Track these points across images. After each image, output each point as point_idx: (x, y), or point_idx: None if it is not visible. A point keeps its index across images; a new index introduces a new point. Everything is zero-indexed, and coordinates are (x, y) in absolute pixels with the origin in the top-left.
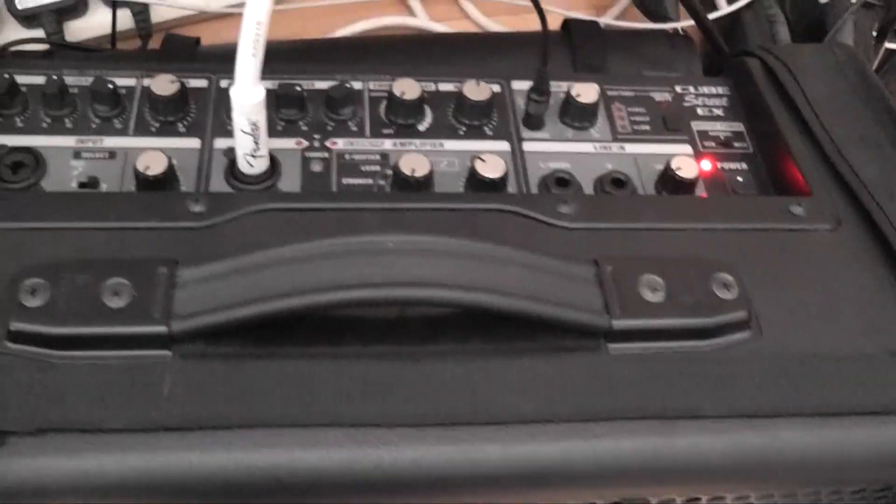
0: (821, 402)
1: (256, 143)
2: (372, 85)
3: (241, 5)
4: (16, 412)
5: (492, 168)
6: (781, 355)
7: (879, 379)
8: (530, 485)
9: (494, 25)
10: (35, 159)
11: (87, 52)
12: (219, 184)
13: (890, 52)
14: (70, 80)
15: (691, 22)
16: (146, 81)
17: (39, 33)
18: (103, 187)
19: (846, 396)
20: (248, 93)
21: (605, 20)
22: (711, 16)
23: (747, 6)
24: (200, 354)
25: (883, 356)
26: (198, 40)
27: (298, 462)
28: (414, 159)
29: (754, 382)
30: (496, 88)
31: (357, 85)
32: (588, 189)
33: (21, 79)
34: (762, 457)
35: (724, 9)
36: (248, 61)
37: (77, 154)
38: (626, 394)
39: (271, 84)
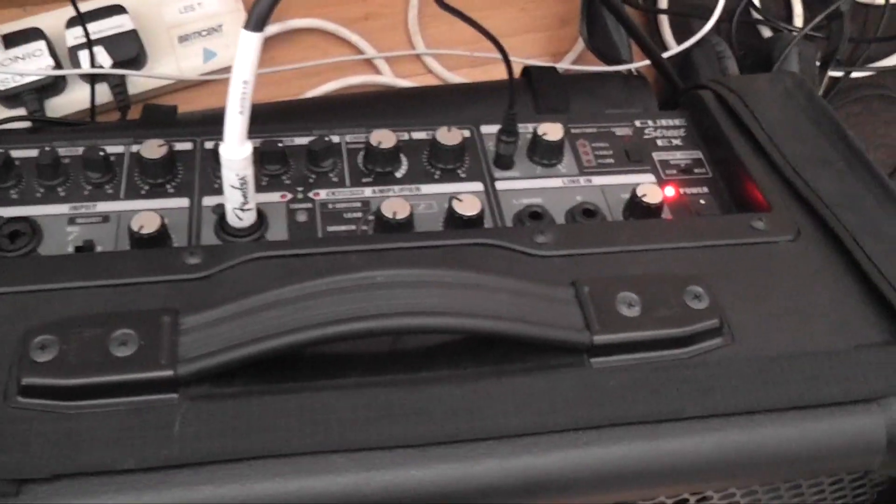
0: (795, 397)
1: (245, 196)
2: (349, 137)
3: (213, 73)
4: (31, 460)
5: (469, 206)
6: (754, 357)
7: (848, 371)
8: (529, 494)
9: (456, 78)
10: (31, 228)
11: (71, 127)
12: (209, 239)
13: (834, 79)
14: (62, 150)
15: (644, 62)
16: (135, 147)
17: (22, 112)
18: (98, 249)
19: (818, 389)
20: (236, 149)
21: (563, 65)
22: (666, 55)
23: (696, 45)
24: (207, 395)
25: (850, 350)
26: (175, 108)
27: (309, 488)
28: (395, 203)
29: (731, 383)
30: (466, 133)
31: (335, 138)
32: (560, 220)
33: (15, 153)
34: (744, 451)
35: (675, 48)
36: (236, 119)
37: (72, 220)
38: (611, 402)
39: (255, 142)
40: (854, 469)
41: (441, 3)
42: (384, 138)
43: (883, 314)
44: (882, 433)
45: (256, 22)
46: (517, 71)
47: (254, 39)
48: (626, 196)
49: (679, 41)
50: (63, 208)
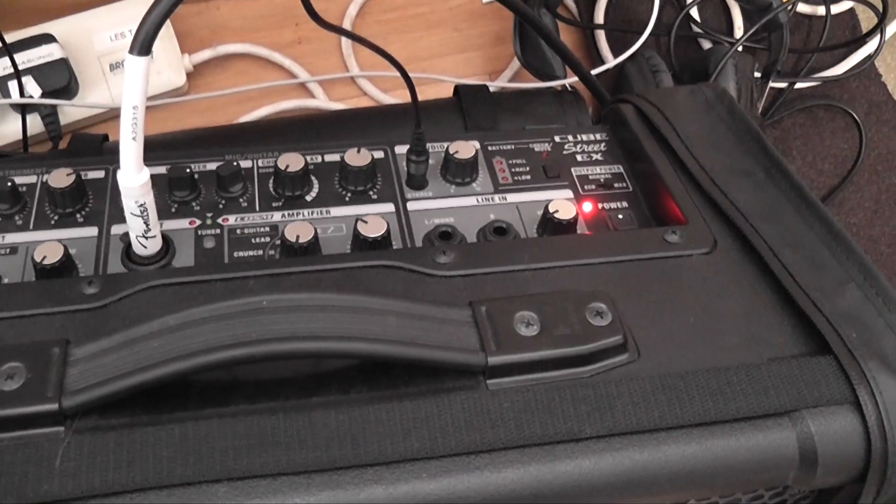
0: (700, 412)
1: (146, 224)
2: (260, 162)
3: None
4: None
5: (373, 228)
6: (661, 373)
7: (758, 384)
8: None
9: (392, 100)
10: None
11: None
12: (116, 267)
13: (778, 90)
14: None
15: (572, 79)
16: (45, 177)
17: None
18: (5, 281)
19: (725, 404)
20: (132, 176)
21: (498, 83)
22: (597, 70)
23: (631, 58)
24: (93, 428)
25: (760, 363)
26: (105, 136)
27: None
28: (298, 227)
29: (633, 401)
30: (379, 154)
31: (245, 163)
32: (472, 240)
33: None
34: (646, 471)
35: (610, 62)
36: (130, 145)
37: None
38: (506, 425)
39: (163, 168)
40: (768, 485)
41: (320, 21)
42: (292, 161)
43: (798, 326)
44: (794, 447)
45: (141, 46)
46: (450, 90)
47: (140, 63)
48: (541, 213)
49: (617, 56)
50: None
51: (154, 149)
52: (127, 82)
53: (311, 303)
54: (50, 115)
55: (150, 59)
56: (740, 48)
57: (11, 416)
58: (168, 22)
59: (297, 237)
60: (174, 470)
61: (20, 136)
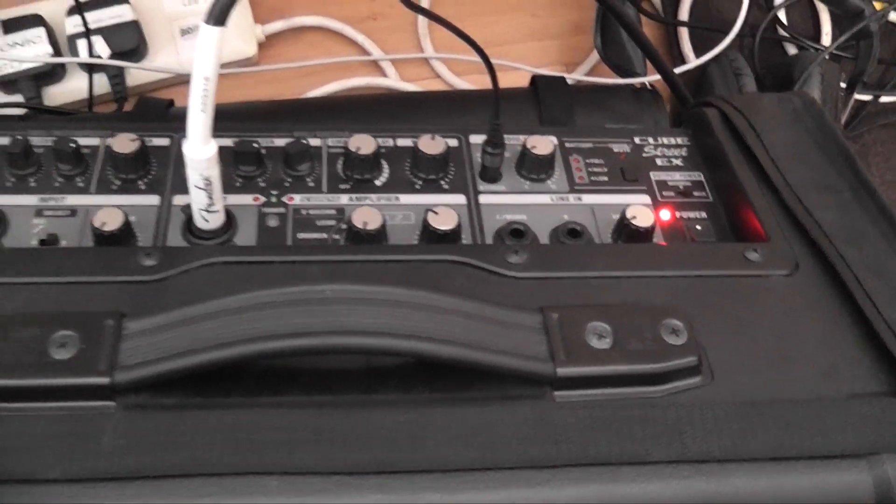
0: (775, 447)
1: (210, 198)
2: (330, 141)
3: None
4: None
5: (444, 220)
6: (734, 400)
7: (837, 422)
8: None
9: (465, 84)
10: None
11: (64, 116)
12: (175, 239)
13: (861, 103)
14: (36, 140)
15: (659, 77)
16: (108, 140)
17: (19, 99)
18: (62, 244)
19: (803, 440)
20: (199, 148)
21: (575, 76)
22: (679, 69)
23: (714, 59)
24: (144, 405)
25: (841, 399)
26: (171, 102)
27: None
28: (366, 213)
29: (705, 428)
30: (453, 143)
31: (315, 142)
32: (544, 240)
33: None
34: (713, 502)
35: (692, 62)
36: (198, 117)
37: (39, 212)
38: (571, 441)
39: (230, 141)
40: None
41: (409, 4)
42: (364, 144)
43: (880, 361)
44: (870, 492)
45: (218, 16)
46: (527, 80)
47: (214, 33)
48: (617, 217)
49: (699, 55)
50: (32, 199)
51: (219, 119)
52: (199, 52)
53: (377, 296)
54: (117, 76)
55: (225, 29)
56: (827, 56)
57: (61, 385)
58: None
59: (365, 223)
60: (225, 458)
61: (84, 95)
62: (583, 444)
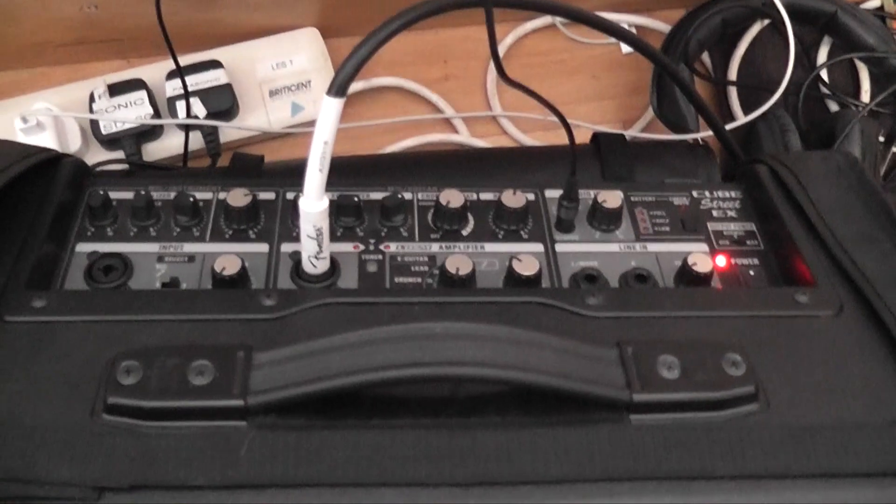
0: (826, 466)
1: (320, 246)
2: (420, 195)
3: (300, 125)
4: (112, 471)
5: (527, 266)
6: (788, 424)
7: (882, 445)
8: None
9: (530, 141)
10: (124, 263)
11: (163, 171)
12: (285, 282)
13: None
14: (155, 194)
15: (710, 132)
16: (221, 195)
17: (120, 155)
18: (183, 286)
19: (850, 460)
20: (314, 203)
21: (632, 133)
22: (729, 126)
23: (762, 116)
24: (273, 425)
25: (884, 425)
26: (262, 158)
27: None
28: (458, 260)
29: (763, 448)
30: (531, 196)
31: (408, 195)
32: (614, 284)
33: (113, 194)
34: None
35: (741, 119)
36: (315, 175)
37: (161, 258)
38: (647, 458)
39: (332, 195)
40: None
41: (505, 78)
42: (453, 198)
43: None
44: None
45: (338, 88)
46: (587, 137)
47: (335, 104)
48: (678, 263)
49: (747, 113)
50: (153, 247)
51: (301, 173)
52: (321, 120)
53: (479, 332)
54: (211, 134)
55: (343, 100)
56: (866, 113)
57: (201, 407)
58: (327, 54)
59: (458, 269)
60: (347, 471)
61: (180, 151)
62: (657, 460)
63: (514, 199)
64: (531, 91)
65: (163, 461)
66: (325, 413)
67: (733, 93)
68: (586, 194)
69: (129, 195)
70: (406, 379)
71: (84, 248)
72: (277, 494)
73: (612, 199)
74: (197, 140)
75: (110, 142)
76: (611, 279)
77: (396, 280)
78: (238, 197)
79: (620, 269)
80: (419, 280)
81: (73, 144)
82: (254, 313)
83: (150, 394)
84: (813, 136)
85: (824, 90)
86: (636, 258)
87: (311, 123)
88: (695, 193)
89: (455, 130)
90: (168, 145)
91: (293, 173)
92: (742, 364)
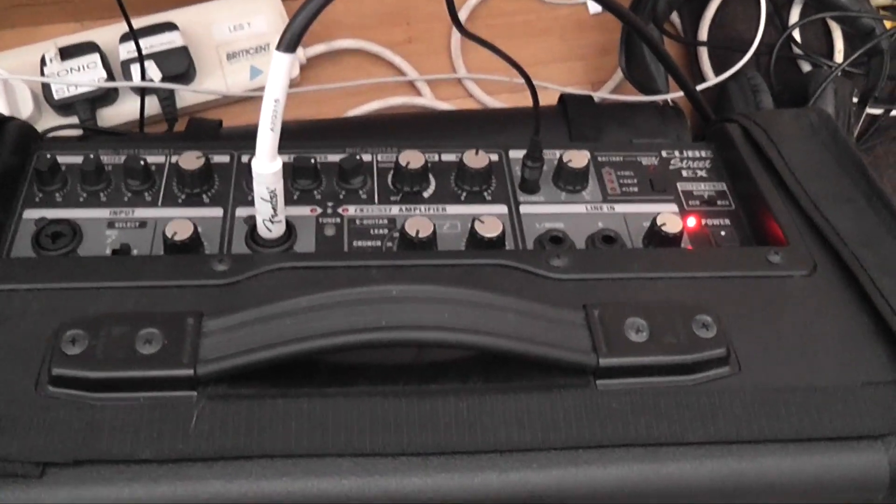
0: (798, 429)
1: (274, 209)
2: (380, 157)
3: (260, 90)
4: (56, 445)
5: (489, 228)
6: (760, 387)
7: (855, 407)
8: None
9: (496, 103)
10: (72, 229)
11: (118, 136)
12: (240, 248)
13: (873, 117)
14: (105, 158)
15: (680, 94)
16: (174, 158)
17: (74, 120)
18: (134, 252)
19: (821, 423)
20: (267, 164)
21: (600, 94)
22: (699, 87)
23: (733, 77)
24: (224, 395)
25: (858, 386)
26: (220, 122)
27: (313, 488)
28: (418, 222)
29: (734, 412)
30: (494, 157)
31: (366, 157)
32: (580, 245)
33: (62, 158)
34: (743, 479)
35: (712, 80)
36: (267, 135)
37: (111, 224)
38: (614, 424)
39: (288, 157)
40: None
41: (463, 31)
42: (413, 159)
43: (892, 353)
44: (885, 471)
45: (288, 43)
46: (555, 98)
47: (285, 60)
48: (648, 224)
49: (718, 73)
50: (104, 213)
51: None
52: (271, 76)
53: (438, 295)
54: (167, 98)
55: (294, 56)
56: (840, 73)
57: (149, 377)
58: (286, 16)
59: (417, 231)
60: (301, 441)
61: (135, 116)
62: (624, 426)
63: (476, 159)
64: (491, 45)
65: (108, 434)
66: (279, 382)
67: (704, 53)
68: (552, 155)
69: (78, 159)
70: (362, 344)
71: (31, 214)
72: (228, 467)
73: (578, 158)
74: (153, 105)
75: (63, 107)
76: (577, 241)
77: (355, 244)
78: (191, 160)
79: (587, 231)
80: (378, 244)
81: (25, 110)
82: (205, 279)
83: (95, 364)
84: (786, 96)
85: (797, 50)
86: (603, 219)
87: None
88: (664, 153)
89: (419, 93)
90: (123, 110)
91: (251, 137)
92: (713, 326)
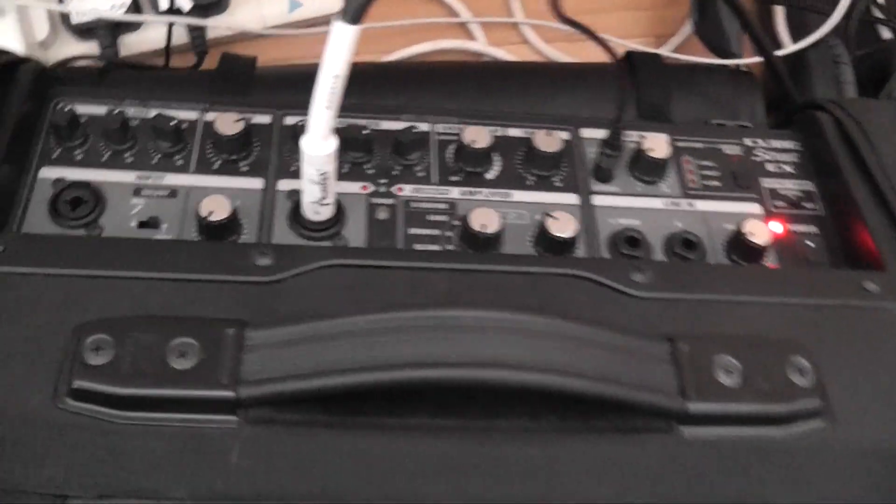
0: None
1: (325, 192)
2: (440, 128)
3: (299, 24)
4: (77, 476)
5: (563, 227)
6: (855, 447)
7: None
8: None
9: (553, 51)
10: (94, 195)
11: (142, 70)
12: (281, 228)
13: None
14: (131, 111)
15: (756, 59)
16: (208, 116)
17: (93, 46)
18: (163, 227)
19: None
20: (320, 144)
21: (665, 51)
22: (778, 53)
23: (812, 45)
24: (267, 421)
25: None
26: (255, 60)
27: None
28: (484, 214)
29: (829, 476)
30: (565, 136)
31: (424, 127)
32: (657, 247)
33: (81, 109)
34: None
35: (790, 47)
36: (322, 114)
37: (137, 191)
38: (701, 481)
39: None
40: None
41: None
42: (479, 137)
43: None
44: None
45: (354, 14)
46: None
47: (349, 32)
48: (730, 227)
49: (792, 37)
50: (129, 176)
51: (307, 80)
52: (331, 49)
53: (512, 325)
54: (197, 28)
55: (359, 28)
56: None
57: (183, 397)
58: None
59: (483, 226)
60: (355, 486)
61: (161, 45)
62: (712, 485)
63: (547, 141)
64: (571, 20)
65: (137, 465)
66: (329, 408)
67: (780, 14)
68: (626, 136)
69: (100, 111)
70: (426, 382)
71: (48, 173)
72: None
73: (659, 146)
74: (181, 34)
75: (82, 32)
76: (654, 242)
77: (410, 231)
78: (228, 123)
79: (664, 231)
80: (437, 232)
81: (40, 33)
82: (245, 275)
83: (122, 378)
84: (865, 66)
85: (878, 14)
86: (682, 218)
87: (311, 22)
88: (747, 142)
89: (471, 37)
90: (148, 38)
91: (290, 83)
92: (809, 372)
